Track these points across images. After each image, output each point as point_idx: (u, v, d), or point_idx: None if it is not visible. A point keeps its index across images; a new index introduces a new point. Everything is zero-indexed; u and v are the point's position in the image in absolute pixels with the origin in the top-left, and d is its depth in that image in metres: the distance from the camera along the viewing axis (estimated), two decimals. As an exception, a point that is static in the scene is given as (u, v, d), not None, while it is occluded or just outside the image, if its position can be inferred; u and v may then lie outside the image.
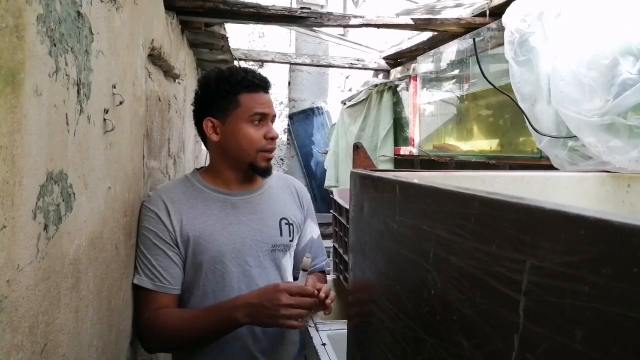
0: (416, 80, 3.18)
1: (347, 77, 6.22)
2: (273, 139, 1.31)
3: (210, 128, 1.31)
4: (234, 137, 1.29)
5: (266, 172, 1.34)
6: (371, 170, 0.78)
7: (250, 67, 1.39)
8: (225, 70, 1.34)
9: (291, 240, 1.38)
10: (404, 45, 3.31)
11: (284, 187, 1.46)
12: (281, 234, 1.35)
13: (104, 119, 0.95)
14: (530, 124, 1.46)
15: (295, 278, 1.48)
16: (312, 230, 1.51)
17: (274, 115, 1.34)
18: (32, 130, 0.62)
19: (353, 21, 2.49)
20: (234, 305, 1.16)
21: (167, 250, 1.25)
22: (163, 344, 1.26)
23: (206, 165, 1.43)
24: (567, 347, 0.31)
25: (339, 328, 1.56)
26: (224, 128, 1.30)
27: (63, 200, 0.75)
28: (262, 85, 1.31)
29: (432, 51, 2.92)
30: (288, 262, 1.39)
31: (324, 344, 1.43)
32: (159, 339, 1.24)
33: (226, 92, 1.29)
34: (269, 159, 1.32)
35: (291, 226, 1.38)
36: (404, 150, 3.40)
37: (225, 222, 1.30)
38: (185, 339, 1.20)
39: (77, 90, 0.79)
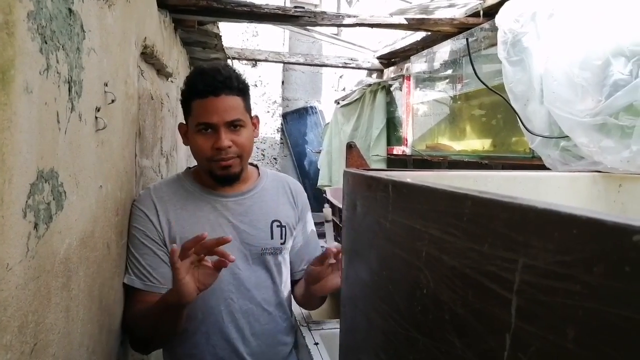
0: (409, 80, 3.19)
1: (340, 77, 6.22)
2: (219, 149, 1.22)
3: (183, 133, 1.33)
4: (190, 145, 1.28)
5: (225, 180, 1.28)
6: (364, 169, 0.78)
7: (217, 64, 1.31)
8: (192, 72, 1.31)
9: (282, 243, 1.35)
10: (398, 45, 3.31)
11: (278, 188, 1.42)
12: (272, 237, 1.33)
13: (96, 117, 0.95)
14: (523, 124, 1.47)
15: (293, 281, 1.47)
16: (311, 225, 1.49)
17: (235, 120, 1.23)
18: (22, 128, 0.61)
19: (347, 20, 2.49)
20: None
21: (155, 249, 1.25)
22: (140, 337, 1.27)
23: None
24: (559, 346, 0.31)
25: (332, 327, 1.56)
26: (188, 134, 1.29)
27: (54, 199, 0.74)
28: (209, 90, 1.20)
29: (426, 51, 2.93)
30: (282, 265, 1.37)
31: (316, 344, 1.43)
32: (137, 333, 1.26)
33: (184, 97, 1.27)
34: (226, 167, 1.24)
35: (283, 228, 1.35)
36: (397, 150, 3.40)
37: (215, 224, 1.28)
38: (148, 328, 1.20)
39: (69, 88, 0.79)
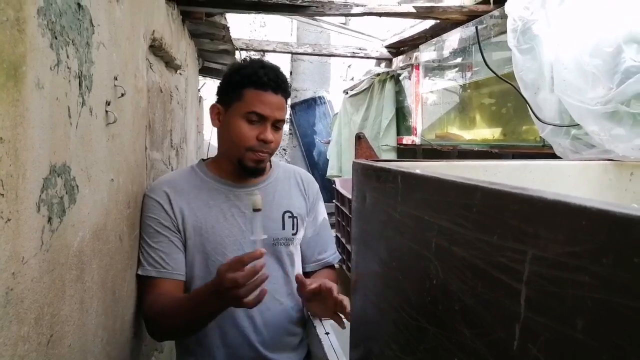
0: (418, 69, 3.17)
1: (349, 66, 6.19)
2: (265, 141, 1.26)
3: (215, 113, 1.34)
4: (228, 128, 1.29)
5: (254, 172, 1.31)
6: (373, 160, 0.78)
7: (274, 65, 1.34)
8: (246, 61, 1.34)
9: (294, 234, 1.37)
10: (406, 34, 3.28)
11: (289, 179, 1.44)
12: (284, 228, 1.35)
13: (106, 111, 0.95)
14: (533, 113, 1.45)
15: (305, 273, 1.47)
16: (323, 214, 1.50)
17: (280, 120, 1.29)
18: (34, 123, 0.62)
19: (355, 10, 2.47)
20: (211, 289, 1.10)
21: (170, 236, 1.26)
22: (163, 329, 1.26)
23: (212, 156, 1.43)
24: (568, 337, 0.31)
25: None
26: (225, 117, 1.30)
27: (66, 193, 0.75)
28: (271, 85, 1.25)
29: (435, 39, 2.90)
30: (294, 255, 1.38)
31: (327, 333, 1.44)
32: (158, 324, 1.24)
33: (235, 82, 1.29)
34: (259, 160, 1.28)
35: (295, 219, 1.37)
36: (407, 140, 3.39)
37: (228, 214, 1.30)
38: (178, 322, 1.19)
39: (79, 82, 0.79)
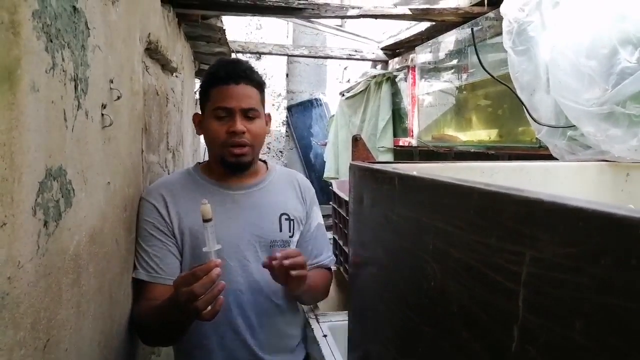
0: (414, 71, 3.17)
1: (345, 68, 6.19)
2: (235, 132, 1.24)
3: (197, 122, 1.36)
4: (205, 131, 1.31)
5: (237, 167, 1.30)
6: (370, 162, 0.78)
7: (238, 58, 1.36)
8: (214, 63, 1.37)
9: (291, 236, 1.36)
10: (402, 36, 3.29)
11: (286, 182, 1.44)
12: (280, 230, 1.34)
13: (102, 114, 0.95)
14: (529, 114, 1.46)
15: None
16: (318, 219, 1.49)
17: (249, 109, 1.26)
18: (30, 126, 0.62)
19: (351, 12, 2.47)
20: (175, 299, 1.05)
21: (164, 240, 1.26)
22: (144, 334, 1.26)
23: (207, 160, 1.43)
24: (566, 338, 0.31)
25: (340, 319, 1.57)
26: (202, 122, 1.32)
27: (62, 196, 0.75)
28: (231, 76, 1.25)
29: (431, 41, 2.91)
30: None
31: (324, 336, 1.44)
32: (141, 330, 1.25)
33: (203, 85, 1.31)
34: (238, 154, 1.27)
35: (292, 222, 1.37)
36: (403, 141, 3.39)
37: (224, 216, 1.29)
38: (153, 329, 1.20)
39: (75, 85, 0.79)
